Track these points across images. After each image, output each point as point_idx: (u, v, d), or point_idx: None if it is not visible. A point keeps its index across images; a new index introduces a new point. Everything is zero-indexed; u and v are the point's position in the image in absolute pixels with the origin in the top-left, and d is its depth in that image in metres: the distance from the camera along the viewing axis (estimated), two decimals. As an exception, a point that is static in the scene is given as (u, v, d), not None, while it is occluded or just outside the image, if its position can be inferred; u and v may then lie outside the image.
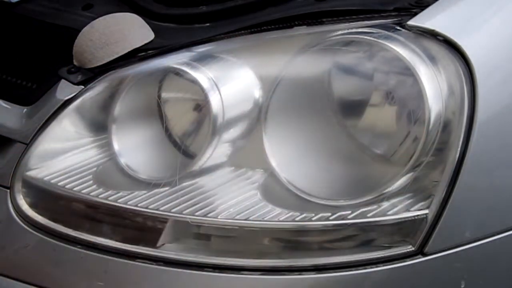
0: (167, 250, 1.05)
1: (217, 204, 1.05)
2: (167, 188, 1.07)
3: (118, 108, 1.13)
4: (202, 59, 1.11)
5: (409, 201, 1.03)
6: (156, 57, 1.15)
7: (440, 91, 1.02)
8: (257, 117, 1.09)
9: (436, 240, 1.02)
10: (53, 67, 1.19)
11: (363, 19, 1.11)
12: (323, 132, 1.09)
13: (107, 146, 1.14)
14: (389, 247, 1.02)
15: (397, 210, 1.02)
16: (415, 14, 1.08)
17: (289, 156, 1.08)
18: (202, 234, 1.04)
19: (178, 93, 1.13)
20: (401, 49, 1.03)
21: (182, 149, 1.11)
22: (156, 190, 1.07)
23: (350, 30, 1.08)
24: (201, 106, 1.09)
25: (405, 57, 1.02)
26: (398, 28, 1.06)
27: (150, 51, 1.16)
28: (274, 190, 1.06)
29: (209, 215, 1.04)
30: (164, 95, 1.13)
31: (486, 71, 1.04)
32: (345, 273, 1.02)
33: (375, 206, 1.02)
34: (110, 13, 1.20)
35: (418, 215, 1.01)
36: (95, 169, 1.13)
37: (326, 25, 1.11)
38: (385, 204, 1.02)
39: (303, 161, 1.08)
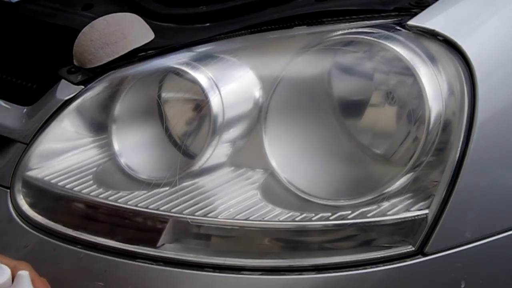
0: (167, 250, 1.05)
1: (217, 204, 1.05)
2: (167, 188, 1.07)
3: (118, 108, 1.13)
4: (202, 59, 1.11)
5: (409, 201, 1.03)
6: (156, 57, 1.15)
7: (440, 91, 1.02)
8: (257, 117, 1.09)
9: (436, 240, 1.02)
10: (53, 67, 1.19)
11: (363, 19, 1.11)
12: (323, 132, 1.09)
13: (107, 146, 1.14)
14: (389, 247, 1.02)
15: (397, 210, 1.02)
16: (415, 14, 1.08)
17: (289, 156, 1.08)
18: (202, 234, 1.04)
19: (178, 93, 1.13)
20: (401, 49, 1.03)
21: (182, 149, 1.11)
22: (156, 190, 1.07)
23: (350, 30, 1.08)
24: (201, 106, 1.09)
25: (405, 57, 1.02)
26: (398, 28, 1.06)
27: (150, 51, 1.16)
28: (274, 190, 1.06)
29: (209, 215, 1.04)
30: (164, 95, 1.13)
31: (486, 71, 1.04)
32: (345, 273, 1.02)
33: (375, 206, 1.02)
34: (110, 13, 1.20)
35: (418, 215, 1.01)
36: (95, 169, 1.13)
37: (326, 25, 1.11)
38: (385, 204, 1.02)
39: (303, 161, 1.08)
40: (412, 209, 1.02)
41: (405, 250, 1.02)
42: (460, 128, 1.01)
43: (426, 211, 1.01)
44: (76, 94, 1.15)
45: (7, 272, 0.89)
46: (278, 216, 1.03)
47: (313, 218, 1.02)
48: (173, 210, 1.05)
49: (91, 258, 1.07)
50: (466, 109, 1.02)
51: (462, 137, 1.01)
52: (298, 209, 1.03)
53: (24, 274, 0.89)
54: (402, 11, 1.10)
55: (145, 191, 1.08)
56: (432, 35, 1.05)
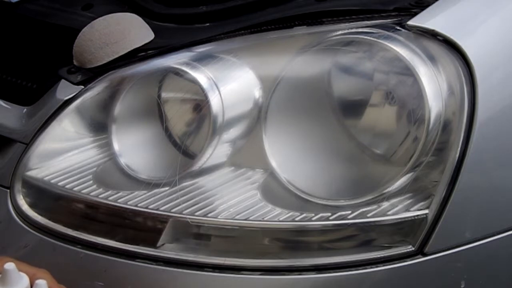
0: (167, 250, 1.05)
1: (217, 204, 1.05)
2: (167, 188, 1.07)
3: (118, 108, 1.13)
4: (202, 59, 1.11)
5: (409, 201, 1.03)
6: (156, 57, 1.15)
7: (440, 91, 1.02)
8: (257, 117, 1.09)
9: (436, 240, 1.02)
10: (53, 67, 1.19)
11: (363, 19, 1.10)
12: (323, 132, 1.09)
13: (107, 146, 1.14)
14: (389, 247, 1.02)
15: (397, 210, 1.02)
16: (415, 14, 1.08)
17: (289, 156, 1.08)
18: (202, 234, 1.04)
19: (178, 93, 1.13)
20: (401, 49, 1.03)
21: (182, 149, 1.11)
22: (156, 190, 1.07)
23: (350, 30, 1.08)
24: (201, 106, 1.09)
25: (405, 57, 1.02)
26: (398, 28, 1.07)
27: (150, 51, 1.16)
28: (274, 190, 1.06)
29: (209, 215, 1.04)
30: (164, 95, 1.13)
31: (486, 71, 1.04)
32: (345, 273, 1.02)
33: (375, 206, 1.02)
34: (110, 13, 1.19)
35: (418, 215, 1.01)
36: (95, 169, 1.13)
37: (326, 25, 1.11)
38: (385, 204, 1.02)
39: (303, 161, 1.08)
40: (412, 209, 1.02)
41: (405, 250, 1.02)
42: (460, 128, 1.01)
43: (426, 211, 1.01)
44: (76, 94, 1.15)
45: (25, 280, 0.89)
46: (278, 216, 1.03)
47: (313, 218, 1.02)
48: (173, 210, 1.05)
49: (91, 258, 1.07)
50: (466, 109, 1.02)
51: (462, 137, 1.01)
52: (298, 209, 1.03)
53: (42, 283, 0.89)
54: (402, 11, 1.10)
55: (145, 191, 1.08)
56: (432, 35, 1.05)
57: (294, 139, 1.09)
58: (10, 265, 0.88)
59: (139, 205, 1.06)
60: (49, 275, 0.93)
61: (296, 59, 1.08)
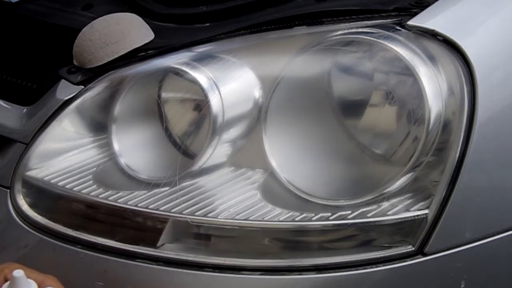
0: (167, 250, 1.05)
1: (217, 204, 1.05)
2: (167, 188, 1.07)
3: (118, 108, 1.13)
4: (202, 59, 1.11)
5: (409, 201, 1.03)
6: (156, 57, 1.15)
7: (440, 91, 1.02)
8: (257, 117, 1.09)
9: (436, 240, 1.02)
10: (53, 67, 1.19)
11: (363, 19, 1.11)
12: (323, 132, 1.09)
13: (107, 146, 1.14)
14: (389, 247, 1.02)
15: (397, 210, 1.02)
16: (415, 14, 1.08)
17: (289, 156, 1.08)
18: (202, 234, 1.04)
19: (178, 93, 1.13)
20: (401, 49, 1.03)
21: (182, 149, 1.11)
22: (156, 190, 1.07)
23: (350, 30, 1.08)
24: (201, 106, 1.09)
25: (405, 57, 1.02)
26: (398, 28, 1.07)
27: (150, 51, 1.16)
28: (274, 190, 1.07)
29: (209, 215, 1.04)
30: (164, 95, 1.13)
31: (486, 71, 1.04)
32: (345, 273, 1.02)
33: (375, 206, 1.02)
34: (110, 13, 1.20)
35: (418, 215, 1.01)
36: (95, 169, 1.13)
37: (326, 25, 1.11)
38: (385, 204, 1.02)
39: (303, 161, 1.08)
40: (412, 209, 1.02)
41: (405, 250, 1.02)
42: (460, 128, 1.01)
43: (426, 211, 1.01)
44: (76, 94, 1.15)
45: (34, 287, 0.89)
46: (278, 216, 1.03)
47: (313, 218, 1.02)
48: (173, 210, 1.05)
49: (91, 258, 1.07)
50: (466, 109, 1.02)
51: (462, 137, 1.01)
52: (298, 209, 1.03)
53: None
54: (402, 11, 1.10)
55: (145, 191, 1.08)
56: (432, 35, 1.05)
57: (294, 139, 1.09)
58: (19, 272, 0.88)
59: (139, 205, 1.06)
60: (57, 282, 0.93)
61: (296, 59, 1.08)
